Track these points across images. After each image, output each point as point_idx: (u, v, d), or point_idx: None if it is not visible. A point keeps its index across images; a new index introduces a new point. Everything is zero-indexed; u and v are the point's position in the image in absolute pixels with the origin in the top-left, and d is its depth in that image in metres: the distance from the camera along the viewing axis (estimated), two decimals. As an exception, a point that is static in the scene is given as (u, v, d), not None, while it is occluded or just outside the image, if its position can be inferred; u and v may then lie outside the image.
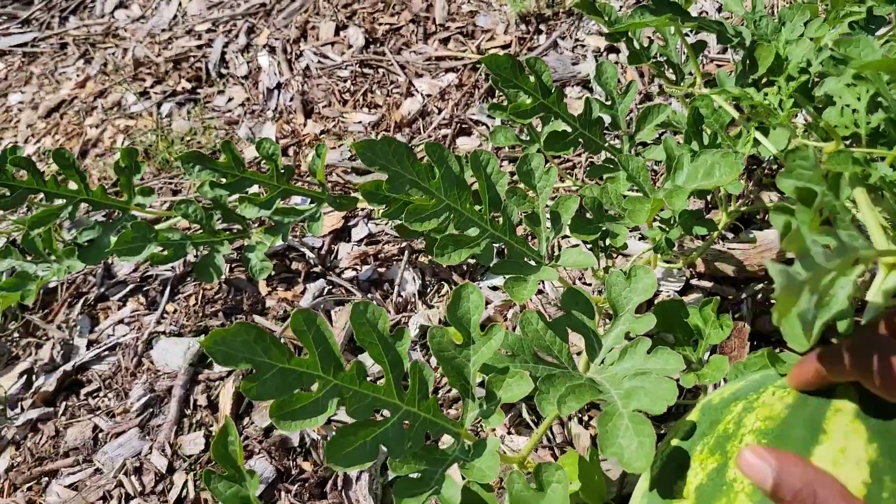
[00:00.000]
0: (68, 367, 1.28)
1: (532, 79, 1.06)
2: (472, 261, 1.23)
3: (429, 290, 1.31)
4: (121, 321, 1.36)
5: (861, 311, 0.54)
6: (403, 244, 1.37)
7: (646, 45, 1.18)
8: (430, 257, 1.34)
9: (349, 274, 1.36)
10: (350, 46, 1.90)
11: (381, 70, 1.82)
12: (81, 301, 1.41)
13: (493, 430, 1.07)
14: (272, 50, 1.95)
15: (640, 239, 1.30)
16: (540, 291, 1.25)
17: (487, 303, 1.24)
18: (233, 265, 1.40)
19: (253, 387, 0.67)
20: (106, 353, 1.31)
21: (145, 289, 1.41)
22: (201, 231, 1.29)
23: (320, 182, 1.25)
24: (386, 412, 0.74)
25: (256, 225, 1.40)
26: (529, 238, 1.11)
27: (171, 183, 1.64)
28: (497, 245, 0.95)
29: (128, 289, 1.42)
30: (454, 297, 0.80)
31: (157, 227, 1.29)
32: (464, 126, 1.62)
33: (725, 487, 0.57)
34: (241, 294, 1.35)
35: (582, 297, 0.87)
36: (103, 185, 1.32)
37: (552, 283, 1.27)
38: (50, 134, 1.90)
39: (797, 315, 0.39)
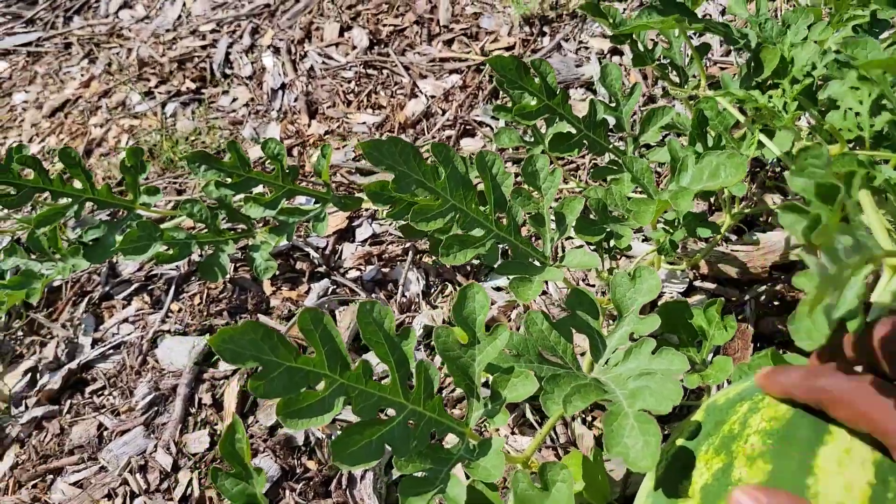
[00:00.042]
0: (73, 365, 1.29)
1: (537, 80, 1.06)
2: (475, 261, 1.23)
3: (432, 290, 1.31)
4: (126, 320, 1.36)
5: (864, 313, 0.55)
6: (407, 244, 1.38)
7: (650, 47, 1.19)
8: (434, 258, 1.34)
9: (353, 274, 1.36)
10: (354, 47, 1.91)
11: (385, 71, 1.82)
12: (86, 300, 1.42)
13: (497, 430, 1.08)
14: (276, 51, 1.96)
15: (643, 240, 1.30)
16: (543, 292, 1.26)
17: (491, 303, 1.24)
18: (237, 264, 1.41)
19: (260, 385, 0.68)
20: (111, 351, 1.31)
21: (150, 288, 1.42)
22: (206, 230, 1.29)
23: (325, 182, 1.25)
24: (391, 411, 0.75)
25: (261, 225, 1.40)
26: (533, 239, 1.11)
27: (175, 182, 1.65)
28: (501, 246, 0.96)
29: (132, 288, 1.42)
30: (459, 296, 0.81)
31: (162, 226, 1.29)
32: (468, 127, 1.62)
33: (731, 487, 0.57)
34: (246, 293, 1.35)
35: (586, 298, 0.87)
36: (108, 184, 1.32)
37: (556, 283, 1.27)
38: (54, 133, 1.91)
39: (823, 308, 0.39)
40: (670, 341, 0.98)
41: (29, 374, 1.32)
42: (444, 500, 0.71)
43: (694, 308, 0.97)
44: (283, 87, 1.85)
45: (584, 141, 1.10)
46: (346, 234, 1.44)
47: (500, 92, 1.67)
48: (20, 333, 1.40)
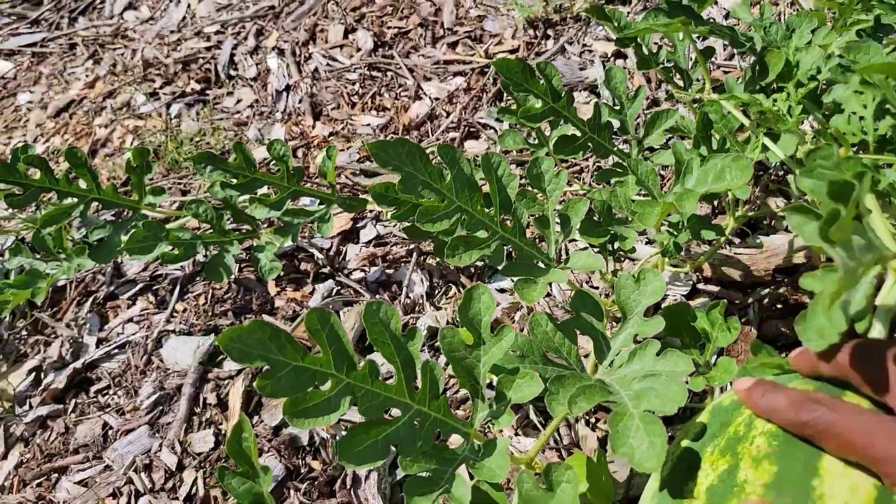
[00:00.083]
0: (78, 364, 1.29)
1: (542, 83, 1.07)
2: (479, 263, 1.24)
3: (436, 291, 1.31)
4: (130, 320, 1.37)
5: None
6: (411, 246, 1.38)
7: (654, 50, 1.19)
8: (437, 259, 1.34)
9: (357, 275, 1.37)
10: (359, 49, 1.91)
11: (389, 73, 1.83)
12: (91, 299, 1.42)
13: (501, 431, 1.08)
14: (281, 52, 1.96)
15: (647, 243, 1.31)
16: (547, 294, 1.26)
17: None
18: (242, 265, 1.41)
19: (268, 384, 0.68)
20: (115, 350, 1.32)
21: (155, 288, 1.42)
22: (211, 231, 1.30)
23: (330, 184, 1.25)
24: (396, 411, 0.75)
25: (266, 225, 1.41)
26: (537, 241, 1.12)
27: (180, 183, 1.65)
28: (506, 247, 0.96)
29: (137, 288, 1.43)
30: (465, 298, 0.81)
31: (167, 226, 1.30)
32: (472, 129, 1.63)
33: (736, 489, 0.57)
34: (251, 294, 1.36)
35: (591, 300, 0.87)
36: (114, 185, 1.33)
37: (559, 285, 1.27)
38: (59, 133, 1.92)
39: (840, 304, 0.40)
40: (673, 344, 0.98)
41: (33, 374, 1.32)
42: (448, 499, 0.72)
43: (697, 310, 0.97)
44: (287, 88, 1.85)
45: (589, 143, 1.10)
46: (350, 236, 1.44)
47: (505, 94, 1.67)
48: (24, 333, 1.40)
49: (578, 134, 1.10)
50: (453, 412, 1.10)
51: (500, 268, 0.94)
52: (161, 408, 1.21)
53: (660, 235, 1.06)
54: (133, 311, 1.39)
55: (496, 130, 1.61)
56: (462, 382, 0.80)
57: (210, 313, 1.34)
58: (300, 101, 1.79)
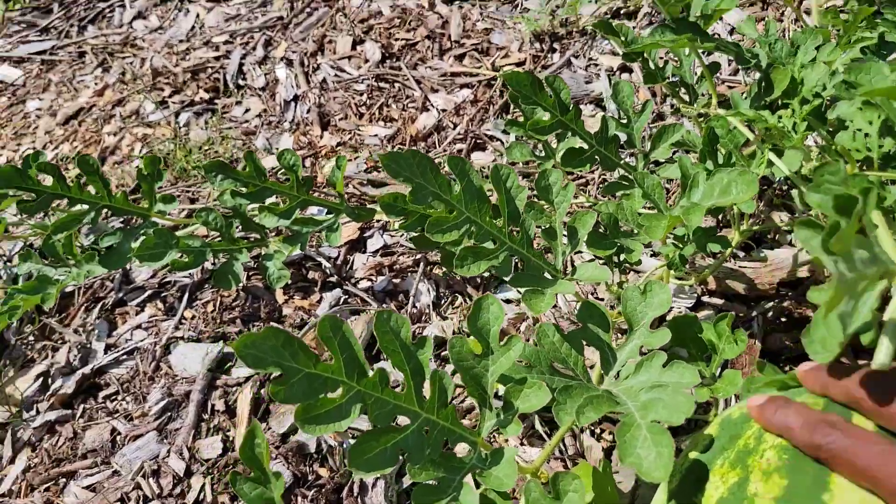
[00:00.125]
0: (87, 370, 1.30)
1: (551, 96, 1.08)
2: (486, 274, 1.25)
3: (443, 301, 1.33)
4: (139, 326, 1.38)
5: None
6: (418, 256, 1.39)
7: (660, 65, 1.21)
8: (444, 269, 1.36)
9: (364, 284, 1.38)
10: (366, 61, 1.93)
11: (396, 84, 1.85)
12: (99, 305, 1.43)
13: (507, 440, 1.09)
14: (289, 62, 1.98)
15: (652, 255, 1.32)
16: (553, 305, 1.27)
17: (501, 315, 1.25)
18: (250, 273, 1.42)
19: (281, 390, 0.69)
20: (124, 357, 1.33)
21: (163, 295, 1.43)
22: (220, 239, 1.31)
23: (339, 193, 1.27)
24: (404, 419, 0.76)
25: (274, 234, 1.42)
26: (544, 252, 1.13)
27: (188, 191, 1.67)
28: (513, 258, 0.97)
29: (146, 294, 1.44)
30: (474, 307, 0.82)
31: (177, 234, 1.31)
32: (478, 141, 1.64)
33: (746, 501, 0.57)
34: (259, 302, 1.37)
35: (597, 311, 0.88)
36: (125, 192, 1.34)
37: (565, 297, 1.28)
38: (68, 141, 1.93)
39: (838, 316, 0.41)
40: (679, 355, 0.99)
41: (40, 379, 1.33)
42: (457, 507, 0.72)
43: (703, 322, 0.98)
44: (295, 98, 1.87)
45: (596, 156, 1.12)
46: (357, 245, 1.46)
47: (511, 107, 1.69)
48: (31, 338, 1.41)
49: (586, 147, 1.11)
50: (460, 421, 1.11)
51: (507, 278, 0.95)
52: (169, 414, 1.22)
53: (665, 248, 1.07)
54: (141, 317, 1.40)
55: (503, 142, 1.63)
56: (470, 391, 0.81)
57: (218, 321, 1.35)
58: (308, 111, 1.81)
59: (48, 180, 1.31)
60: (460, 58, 1.89)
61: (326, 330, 0.72)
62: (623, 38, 1.12)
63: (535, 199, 0.99)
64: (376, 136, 1.71)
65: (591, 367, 1.11)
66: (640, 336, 0.86)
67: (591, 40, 1.84)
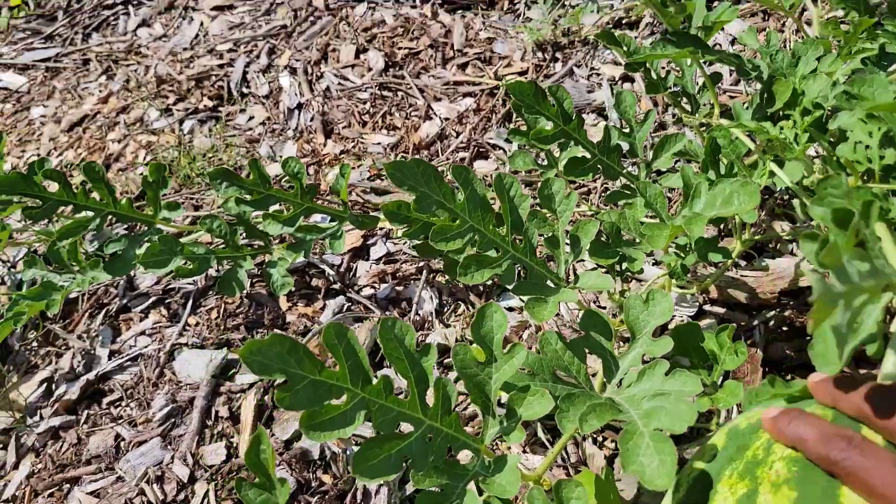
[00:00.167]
0: (91, 376, 1.31)
1: (554, 105, 1.09)
2: (489, 282, 1.25)
3: (446, 309, 1.33)
4: (143, 332, 1.39)
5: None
6: (421, 263, 1.40)
7: (662, 75, 1.22)
8: (447, 277, 1.36)
9: (367, 291, 1.38)
10: (370, 69, 1.94)
11: (399, 93, 1.86)
12: (103, 312, 1.44)
13: (510, 448, 1.09)
14: (293, 71, 1.99)
15: (654, 264, 1.32)
16: (556, 314, 1.28)
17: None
18: (254, 280, 1.43)
19: (286, 396, 0.69)
20: (128, 363, 1.33)
21: (167, 301, 1.44)
22: (225, 246, 1.32)
23: (343, 201, 1.28)
24: (408, 426, 0.76)
25: (278, 241, 1.43)
26: (547, 260, 1.14)
27: (192, 198, 1.68)
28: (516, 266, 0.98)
29: (150, 301, 1.44)
30: (478, 315, 0.83)
31: (181, 240, 1.32)
32: (481, 150, 1.65)
33: None
34: (262, 308, 1.37)
35: (600, 320, 0.89)
36: (130, 199, 1.35)
37: (567, 305, 1.29)
38: (72, 147, 1.94)
39: (832, 329, 0.41)
40: (682, 363, 0.99)
41: (44, 385, 1.34)
42: (460, 514, 0.73)
43: (705, 332, 0.98)
44: (299, 106, 1.88)
45: (599, 166, 1.12)
46: (360, 252, 1.46)
47: (514, 116, 1.70)
48: (35, 344, 1.42)
49: (588, 156, 1.12)
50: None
51: (510, 287, 0.96)
52: (173, 420, 1.23)
53: (667, 257, 1.08)
54: (146, 324, 1.40)
55: (505, 151, 1.64)
56: (473, 399, 0.81)
57: (222, 327, 1.36)
58: (312, 119, 1.82)
59: (53, 187, 1.31)
60: (463, 67, 1.90)
61: (332, 337, 0.72)
62: (625, 49, 1.13)
63: (538, 208, 1.00)
64: (379, 144, 1.72)
65: (594, 375, 1.12)
66: (643, 344, 0.86)
67: (593, 50, 1.86)
